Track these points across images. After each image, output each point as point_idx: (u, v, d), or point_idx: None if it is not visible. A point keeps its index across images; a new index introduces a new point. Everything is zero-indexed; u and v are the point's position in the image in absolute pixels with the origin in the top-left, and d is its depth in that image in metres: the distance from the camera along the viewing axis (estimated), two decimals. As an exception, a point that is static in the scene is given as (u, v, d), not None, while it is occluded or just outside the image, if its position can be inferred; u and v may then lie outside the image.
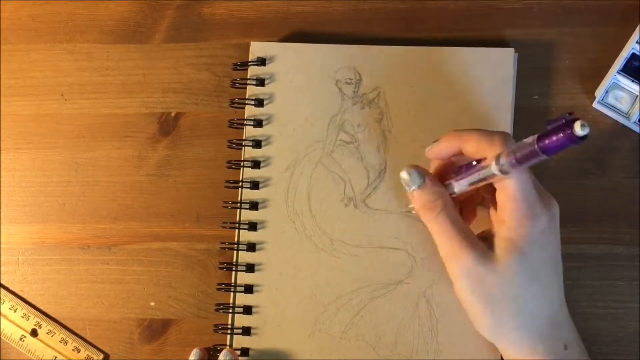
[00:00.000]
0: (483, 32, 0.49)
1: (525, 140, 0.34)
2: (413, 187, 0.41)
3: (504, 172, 0.36)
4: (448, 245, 0.40)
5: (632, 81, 0.46)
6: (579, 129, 0.30)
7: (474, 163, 0.39)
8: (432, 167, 0.43)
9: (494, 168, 0.36)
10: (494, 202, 0.40)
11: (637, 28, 0.47)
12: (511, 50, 0.48)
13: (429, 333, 0.46)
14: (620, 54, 0.47)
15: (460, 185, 0.40)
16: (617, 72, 0.47)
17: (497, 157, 0.36)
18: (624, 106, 0.47)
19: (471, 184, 0.39)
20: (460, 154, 0.41)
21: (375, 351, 0.46)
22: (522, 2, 0.49)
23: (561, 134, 0.31)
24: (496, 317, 0.39)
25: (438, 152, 0.42)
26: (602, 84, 0.47)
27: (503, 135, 0.38)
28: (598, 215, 0.47)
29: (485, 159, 0.38)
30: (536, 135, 0.33)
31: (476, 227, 0.42)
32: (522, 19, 0.49)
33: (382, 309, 0.46)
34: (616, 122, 0.47)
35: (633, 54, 0.46)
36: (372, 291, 0.47)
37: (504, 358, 0.42)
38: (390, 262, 0.47)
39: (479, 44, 0.48)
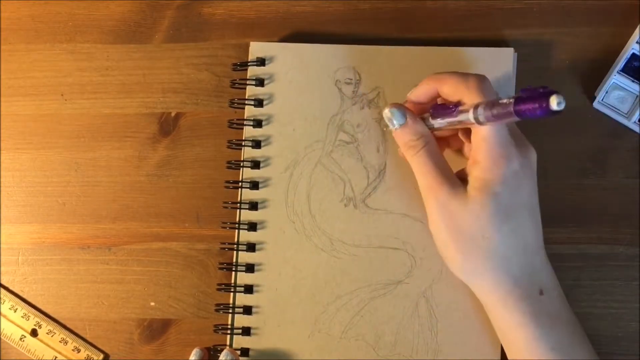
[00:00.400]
0: (483, 32, 0.49)
1: (503, 99, 0.35)
2: (396, 126, 0.42)
3: (479, 122, 0.37)
4: (426, 180, 0.41)
5: (632, 81, 0.46)
6: (554, 104, 0.31)
7: (451, 106, 0.40)
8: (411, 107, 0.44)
9: (470, 116, 0.38)
10: (468, 140, 0.42)
11: (637, 28, 0.47)
12: (511, 50, 0.48)
13: (429, 333, 0.46)
14: (620, 54, 0.47)
15: (437, 124, 0.41)
16: (617, 72, 0.47)
17: (475, 108, 0.37)
18: (624, 106, 0.47)
19: (449, 124, 0.40)
20: (438, 96, 0.42)
21: (375, 351, 0.46)
22: (522, 2, 0.49)
23: (537, 104, 0.32)
24: (467, 255, 0.40)
25: (418, 95, 0.43)
26: (602, 84, 0.47)
27: (478, 78, 0.40)
28: (598, 215, 0.47)
29: (463, 103, 0.39)
30: (513, 98, 0.34)
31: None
32: (522, 19, 0.49)
33: (382, 309, 0.46)
34: (616, 122, 0.47)
35: (633, 54, 0.46)
36: (371, 291, 0.47)
37: (480, 299, 0.43)
38: (390, 262, 0.47)
39: (479, 44, 0.48)
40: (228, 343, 0.47)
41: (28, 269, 0.50)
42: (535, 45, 0.49)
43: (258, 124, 0.48)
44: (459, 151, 0.45)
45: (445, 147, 0.45)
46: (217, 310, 0.48)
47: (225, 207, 0.48)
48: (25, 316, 0.49)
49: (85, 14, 0.51)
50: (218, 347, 0.48)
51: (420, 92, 0.43)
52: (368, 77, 0.48)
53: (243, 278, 0.47)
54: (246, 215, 0.48)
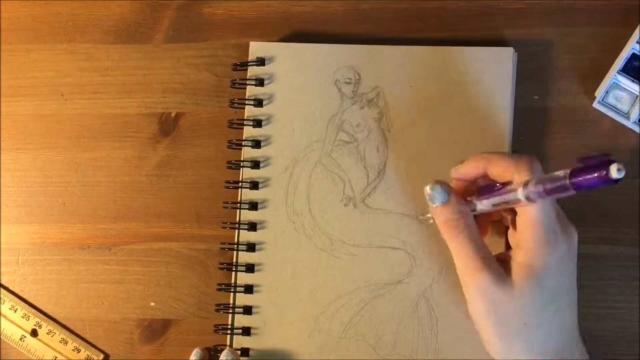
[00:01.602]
0: (483, 32, 0.49)
1: (556, 172, 0.34)
2: (437, 204, 0.41)
3: (530, 200, 0.36)
4: (466, 265, 0.40)
5: (632, 81, 0.46)
6: (614, 173, 0.30)
7: (498, 185, 0.39)
8: (454, 185, 0.43)
9: (520, 194, 0.36)
10: (513, 224, 0.40)
11: (637, 28, 0.47)
12: (511, 49, 0.48)
13: (429, 333, 0.46)
14: (620, 54, 0.47)
15: (482, 205, 0.40)
16: (617, 72, 0.47)
17: (525, 184, 0.36)
18: (624, 106, 0.47)
19: (494, 205, 0.39)
20: (485, 176, 0.41)
21: (375, 351, 0.46)
22: (522, 2, 0.49)
23: (596, 174, 0.31)
24: (506, 341, 0.40)
25: (464, 173, 0.42)
26: (602, 84, 0.47)
27: (530, 159, 0.38)
28: (598, 215, 0.47)
29: (511, 182, 0.38)
30: (569, 170, 0.33)
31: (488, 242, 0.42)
32: (522, 19, 0.49)
33: (382, 308, 0.46)
34: (616, 122, 0.47)
35: (633, 54, 0.46)
36: (371, 291, 0.47)
37: None
38: (390, 261, 0.47)
39: (479, 43, 0.48)
40: (228, 343, 0.47)
41: (28, 269, 0.50)
42: (535, 45, 0.49)
43: (258, 124, 0.48)
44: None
45: (485, 234, 0.44)
46: (217, 310, 0.48)
47: (226, 207, 0.48)
48: (25, 316, 0.49)
49: (85, 14, 0.51)
50: (218, 347, 0.48)
51: (466, 171, 0.41)
52: (368, 77, 0.48)
53: (243, 278, 0.47)
54: (246, 215, 0.48)
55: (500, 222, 0.45)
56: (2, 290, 0.50)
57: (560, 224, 0.39)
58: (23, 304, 0.49)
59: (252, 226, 0.48)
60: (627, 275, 0.47)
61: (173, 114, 0.50)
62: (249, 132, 0.48)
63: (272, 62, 0.49)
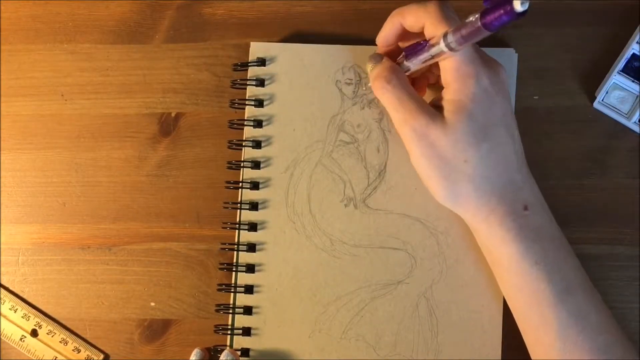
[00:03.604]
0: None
1: (468, 18, 0.35)
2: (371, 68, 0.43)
3: (451, 49, 0.38)
4: (400, 111, 0.41)
5: (632, 81, 0.46)
6: (518, 6, 0.31)
7: (422, 42, 0.40)
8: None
9: (442, 45, 0.38)
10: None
11: (637, 28, 0.47)
12: (512, 50, 0.48)
13: (429, 333, 0.46)
14: (621, 54, 0.47)
15: (412, 64, 0.41)
16: (617, 72, 0.47)
17: (445, 36, 0.38)
18: (624, 106, 0.47)
19: (422, 62, 0.41)
20: (405, 33, 0.42)
21: (375, 351, 0.46)
22: (522, 2, 0.49)
23: (501, 10, 0.32)
24: (451, 181, 0.40)
25: (384, 35, 0.43)
26: (602, 84, 0.47)
27: (437, 2, 0.40)
28: (598, 215, 0.47)
29: (432, 38, 0.39)
30: (479, 13, 0.34)
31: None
32: (522, 19, 0.49)
33: (382, 309, 0.46)
34: (616, 122, 0.47)
35: (633, 54, 0.46)
36: (372, 291, 0.47)
37: (468, 225, 0.43)
38: (390, 262, 0.47)
39: (480, 44, 0.48)
40: (228, 343, 0.47)
41: (28, 269, 0.50)
42: (536, 45, 0.49)
43: (258, 124, 0.48)
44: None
45: (423, 88, 0.46)
46: (217, 311, 0.48)
47: (226, 208, 0.48)
48: (26, 316, 0.49)
49: (85, 14, 0.51)
50: (218, 347, 0.48)
51: (387, 33, 0.43)
52: (368, 78, 0.48)
53: (243, 278, 0.47)
54: (246, 215, 0.48)
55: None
56: (2, 290, 0.50)
57: (482, 59, 0.40)
58: (23, 304, 0.49)
59: (253, 226, 0.48)
60: (627, 275, 0.47)
61: (173, 114, 0.50)
62: (249, 132, 0.48)
63: (273, 62, 0.49)
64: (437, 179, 0.41)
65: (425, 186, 0.42)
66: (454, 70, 0.40)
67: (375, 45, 0.48)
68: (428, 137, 0.40)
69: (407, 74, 0.43)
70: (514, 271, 0.40)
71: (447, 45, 0.38)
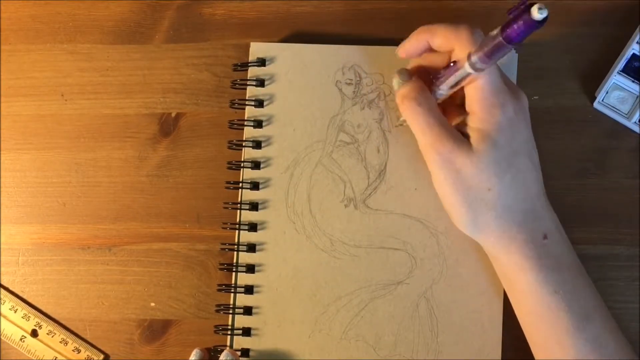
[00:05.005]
0: (483, 32, 0.49)
1: (490, 33, 0.35)
2: (399, 86, 0.42)
3: (476, 69, 0.37)
4: (428, 135, 0.40)
5: (632, 81, 0.46)
6: (536, 13, 0.31)
7: (451, 64, 0.40)
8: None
9: (467, 67, 0.38)
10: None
11: (638, 28, 0.47)
12: (511, 50, 0.48)
13: (429, 333, 0.46)
14: (621, 54, 0.47)
15: (440, 90, 0.41)
16: (618, 72, 0.47)
17: (469, 56, 0.37)
18: (624, 106, 0.47)
19: (450, 87, 0.40)
20: (430, 49, 0.42)
21: (375, 351, 0.46)
22: (522, 3, 0.49)
23: (521, 21, 0.32)
24: (473, 208, 0.40)
25: (408, 48, 0.43)
26: (602, 84, 0.47)
27: (469, 27, 0.39)
28: (598, 215, 0.47)
29: (458, 61, 0.39)
30: (499, 27, 0.34)
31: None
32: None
33: (382, 309, 0.46)
34: (616, 122, 0.47)
35: (633, 55, 0.46)
36: (372, 291, 0.47)
37: (487, 253, 0.43)
38: (390, 262, 0.47)
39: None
40: (228, 344, 0.47)
41: (28, 270, 0.50)
42: (535, 45, 0.49)
43: (258, 124, 0.48)
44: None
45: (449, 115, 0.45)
46: (217, 311, 0.48)
47: (226, 208, 0.48)
48: (26, 317, 0.49)
49: (85, 15, 0.51)
50: (218, 347, 0.48)
51: (411, 46, 0.42)
52: (368, 78, 0.48)
53: (243, 278, 0.47)
54: (246, 215, 0.48)
55: None
56: (3, 290, 0.50)
57: (508, 86, 0.40)
58: (23, 304, 0.49)
59: (253, 227, 0.48)
60: (627, 275, 0.47)
61: (173, 114, 0.50)
62: (249, 132, 0.48)
63: (273, 62, 0.49)
64: (460, 205, 0.40)
65: (446, 212, 0.42)
66: (480, 99, 0.39)
67: (377, 45, 0.48)
68: (454, 164, 0.40)
69: (437, 101, 0.42)
70: (532, 299, 0.40)
71: (472, 66, 0.37)
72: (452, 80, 0.40)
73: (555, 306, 0.40)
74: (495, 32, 0.34)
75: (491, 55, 0.35)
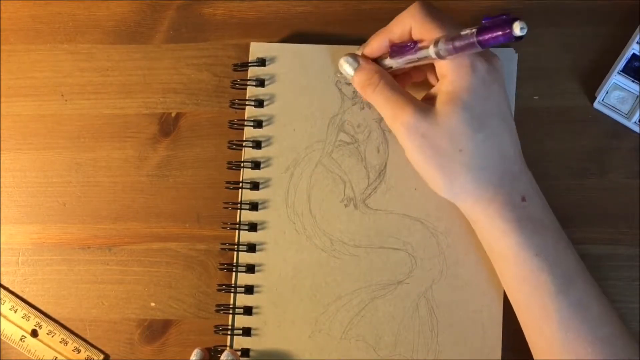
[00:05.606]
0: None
1: (464, 31, 0.35)
2: (351, 73, 0.43)
3: (440, 56, 0.38)
4: (390, 109, 0.41)
5: (632, 81, 0.46)
6: (517, 30, 0.32)
7: (410, 44, 0.40)
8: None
9: (431, 51, 0.38)
10: (433, 70, 0.42)
11: (638, 28, 0.47)
12: (511, 50, 0.48)
13: (429, 333, 0.46)
14: (621, 54, 0.47)
15: (396, 63, 0.42)
16: (618, 72, 0.47)
17: (436, 43, 0.38)
18: (624, 106, 0.47)
19: (407, 62, 0.41)
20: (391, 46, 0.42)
21: (375, 351, 0.46)
22: (522, 2, 0.49)
23: (500, 32, 0.33)
24: (446, 171, 0.40)
25: (372, 50, 0.44)
26: (602, 84, 0.47)
27: (415, 3, 0.40)
28: (598, 215, 0.47)
29: (421, 40, 0.40)
30: (475, 29, 0.34)
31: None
32: (523, 19, 0.49)
33: (383, 309, 0.46)
34: (616, 122, 0.47)
35: (633, 55, 0.46)
36: (372, 291, 0.47)
37: (466, 216, 0.43)
38: (390, 262, 0.47)
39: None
40: (228, 344, 0.47)
41: (28, 270, 0.50)
42: (536, 45, 0.49)
43: (258, 124, 0.48)
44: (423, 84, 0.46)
45: (407, 83, 0.46)
46: (217, 311, 0.48)
47: (226, 208, 0.48)
48: (26, 317, 0.49)
49: (85, 15, 0.51)
50: (218, 347, 0.48)
51: (374, 47, 0.43)
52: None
53: (243, 278, 0.47)
54: (246, 215, 0.48)
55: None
56: (3, 290, 0.50)
57: (481, 52, 0.40)
58: (23, 304, 0.49)
59: (253, 227, 0.48)
60: (627, 275, 0.47)
61: (173, 114, 0.50)
62: (249, 132, 0.48)
63: (273, 62, 0.49)
64: (433, 169, 0.40)
65: (424, 181, 0.42)
66: (450, 62, 0.39)
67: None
68: (418, 129, 0.40)
69: (388, 71, 0.43)
70: (514, 263, 0.40)
71: (437, 53, 0.38)
72: (410, 57, 0.40)
73: (537, 269, 0.40)
74: (469, 31, 0.35)
75: (459, 50, 0.36)
